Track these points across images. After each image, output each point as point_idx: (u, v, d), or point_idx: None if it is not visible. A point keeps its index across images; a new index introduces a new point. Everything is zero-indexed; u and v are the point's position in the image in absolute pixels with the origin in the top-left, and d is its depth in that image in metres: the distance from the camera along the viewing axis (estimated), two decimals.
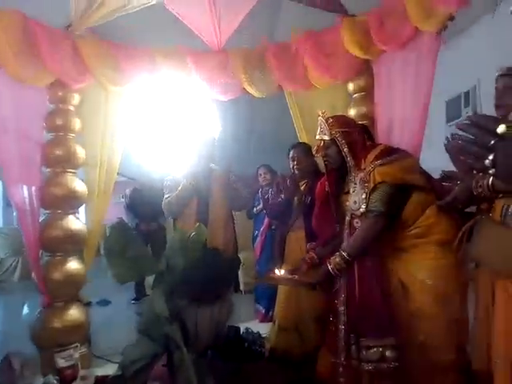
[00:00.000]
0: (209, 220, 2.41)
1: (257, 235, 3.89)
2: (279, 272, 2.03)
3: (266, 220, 3.64)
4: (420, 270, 1.72)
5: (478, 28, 4.05)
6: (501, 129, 0.61)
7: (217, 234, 2.41)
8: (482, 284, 1.49)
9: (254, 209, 4.00)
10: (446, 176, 1.72)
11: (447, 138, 1.34)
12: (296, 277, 1.97)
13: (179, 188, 2.44)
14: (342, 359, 1.72)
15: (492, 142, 0.61)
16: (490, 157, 0.61)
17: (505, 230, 1.24)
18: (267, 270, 3.01)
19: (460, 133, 0.67)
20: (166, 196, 2.50)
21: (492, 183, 1.24)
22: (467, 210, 1.74)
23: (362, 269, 1.76)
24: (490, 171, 0.62)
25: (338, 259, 1.77)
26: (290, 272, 2.03)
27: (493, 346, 1.30)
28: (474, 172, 1.39)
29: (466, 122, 0.65)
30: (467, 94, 4.28)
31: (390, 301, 1.73)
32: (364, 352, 1.67)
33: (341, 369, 1.88)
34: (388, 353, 1.63)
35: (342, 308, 1.79)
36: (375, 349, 1.64)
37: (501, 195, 1.29)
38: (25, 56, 2.30)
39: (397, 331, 1.66)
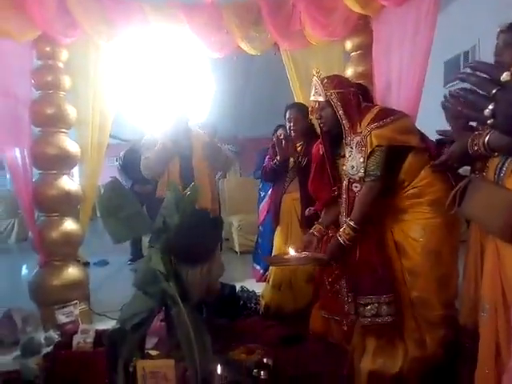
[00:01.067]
0: (194, 180, 2.40)
1: (264, 196, 3.86)
2: (291, 252, 1.97)
3: None
4: (413, 229, 1.75)
5: None
6: (505, 76, 0.58)
7: (204, 194, 2.41)
8: (472, 243, 1.52)
9: None
10: (442, 140, 1.70)
11: (445, 95, 1.32)
12: (309, 254, 1.94)
13: (158, 146, 2.40)
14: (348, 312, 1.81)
15: (494, 90, 0.58)
16: (491, 106, 0.58)
17: (498, 189, 1.25)
18: (271, 232, 3.03)
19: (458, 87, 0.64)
20: (144, 156, 2.45)
21: (488, 141, 1.23)
22: (461, 171, 1.76)
23: (363, 233, 1.78)
24: (489, 121, 0.60)
25: (347, 230, 1.78)
26: (301, 249, 2.00)
27: (480, 299, 1.35)
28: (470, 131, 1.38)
29: (467, 70, 0.62)
30: (467, 53, 4.20)
31: (390, 261, 1.79)
32: (361, 309, 1.75)
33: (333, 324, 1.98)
34: (383, 308, 1.72)
35: (343, 268, 1.85)
36: (371, 305, 1.73)
37: (496, 154, 1.29)
38: (7, 8, 2.19)
39: (393, 289, 1.74)
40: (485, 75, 0.60)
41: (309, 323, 2.20)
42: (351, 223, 1.77)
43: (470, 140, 1.34)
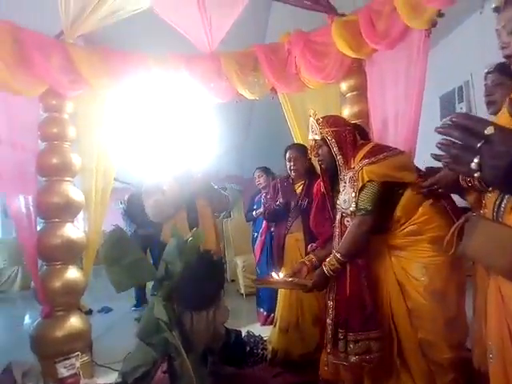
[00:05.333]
0: (199, 223, 2.43)
1: (256, 237, 3.90)
2: (277, 276, 2.00)
3: (265, 222, 3.64)
4: (415, 267, 1.72)
5: (469, 24, 4.07)
6: (489, 130, 0.59)
7: (209, 237, 2.43)
8: (479, 280, 1.48)
9: (254, 212, 4.02)
10: (428, 172, 1.71)
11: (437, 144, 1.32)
12: (294, 279, 1.96)
13: (175, 196, 2.43)
14: (328, 351, 1.79)
15: (478, 144, 0.59)
16: (476, 159, 0.59)
17: (500, 227, 1.22)
18: (267, 272, 3.01)
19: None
20: (150, 199, 2.48)
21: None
22: (462, 206, 1.75)
23: (353, 267, 1.77)
24: (476, 174, 0.60)
25: (332, 261, 1.78)
26: (289, 275, 2.01)
27: (486, 343, 1.29)
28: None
29: (448, 123, 0.62)
30: (460, 88, 4.30)
31: (379, 296, 1.77)
32: (351, 345, 1.72)
33: (342, 367, 1.90)
34: (373, 344, 1.69)
35: (331, 303, 1.82)
36: (362, 342, 1.70)
37: (490, 189, 1.27)
38: (17, 67, 2.29)
39: (381, 324, 1.73)
40: (467, 128, 0.61)
41: (318, 369, 2.12)
42: (337, 255, 1.77)
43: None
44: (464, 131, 0.60)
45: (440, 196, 1.69)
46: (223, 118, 3.87)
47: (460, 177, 1.33)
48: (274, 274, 2.00)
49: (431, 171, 1.67)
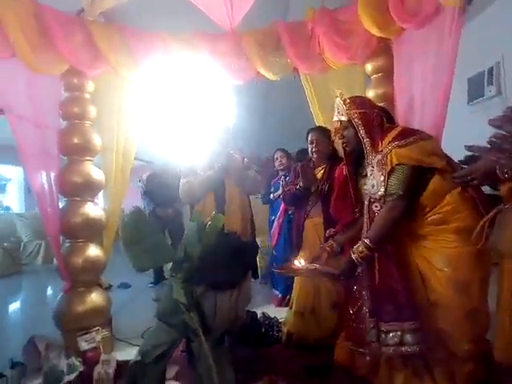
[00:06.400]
0: (225, 204, 2.41)
1: (273, 220, 3.89)
2: (299, 263, 1.95)
3: (283, 205, 3.62)
4: (438, 258, 1.67)
5: (501, 2, 3.86)
6: None
7: (233, 218, 2.40)
8: (506, 272, 1.43)
9: (271, 195, 4.00)
10: (469, 157, 1.63)
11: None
12: (317, 266, 1.91)
13: (205, 177, 2.40)
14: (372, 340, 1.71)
15: None
16: None
17: None
18: (285, 255, 3.00)
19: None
20: (183, 181, 2.47)
21: None
22: (487, 193, 1.68)
23: (382, 254, 1.72)
24: None
25: (361, 247, 1.72)
26: (309, 262, 1.97)
27: None
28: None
29: (502, 117, 0.58)
30: (490, 70, 4.11)
31: (411, 286, 1.70)
32: (383, 336, 1.66)
33: (357, 355, 1.89)
34: (408, 337, 1.61)
35: (365, 293, 1.78)
36: (394, 333, 1.63)
37: None
38: (38, 44, 2.28)
39: (418, 315, 1.64)
40: None
41: (333, 353, 2.13)
42: (366, 241, 1.71)
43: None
44: None
45: (471, 186, 1.61)
46: (242, 96, 3.81)
47: (498, 167, 1.27)
48: (296, 262, 1.95)
49: (471, 159, 1.58)
